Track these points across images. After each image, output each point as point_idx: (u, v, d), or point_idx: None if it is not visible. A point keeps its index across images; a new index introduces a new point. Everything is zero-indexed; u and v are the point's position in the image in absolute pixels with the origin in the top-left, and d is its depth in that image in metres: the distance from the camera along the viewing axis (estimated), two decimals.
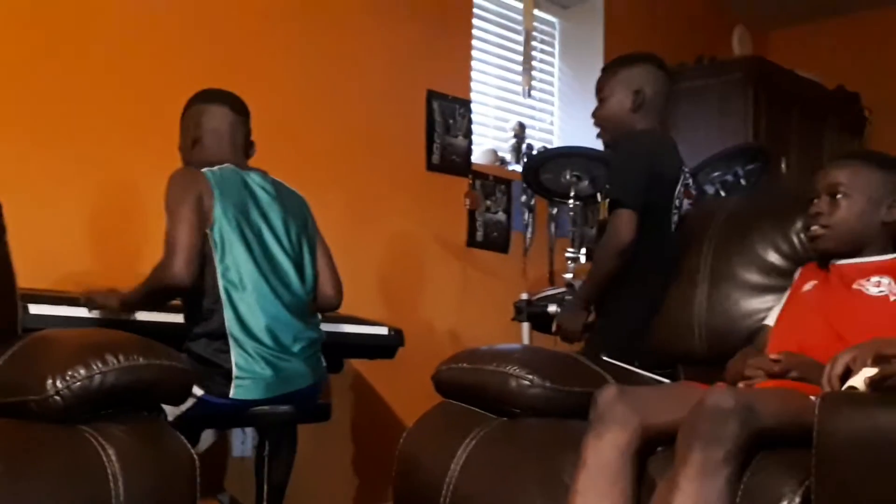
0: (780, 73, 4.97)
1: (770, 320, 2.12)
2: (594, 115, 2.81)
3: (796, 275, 2.14)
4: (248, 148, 2.65)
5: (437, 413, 2.06)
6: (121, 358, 1.74)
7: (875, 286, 1.91)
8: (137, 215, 3.00)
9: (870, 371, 1.48)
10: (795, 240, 2.24)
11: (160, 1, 3.20)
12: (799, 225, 2.23)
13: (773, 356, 1.89)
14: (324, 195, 3.12)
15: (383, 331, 3.00)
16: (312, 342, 2.53)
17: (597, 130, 2.79)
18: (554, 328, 2.79)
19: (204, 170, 2.47)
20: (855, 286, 1.95)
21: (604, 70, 2.83)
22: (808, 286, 2.05)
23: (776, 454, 1.58)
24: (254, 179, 2.56)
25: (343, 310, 2.81)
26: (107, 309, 2.48)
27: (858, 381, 1.47)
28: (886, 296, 1.89)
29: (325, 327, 2.71)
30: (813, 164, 4.86)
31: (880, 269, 1.95)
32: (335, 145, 3.60)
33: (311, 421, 2.67)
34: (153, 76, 3.12)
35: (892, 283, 1.90)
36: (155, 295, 2.47)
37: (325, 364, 2.61)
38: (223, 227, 2.43)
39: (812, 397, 1.56)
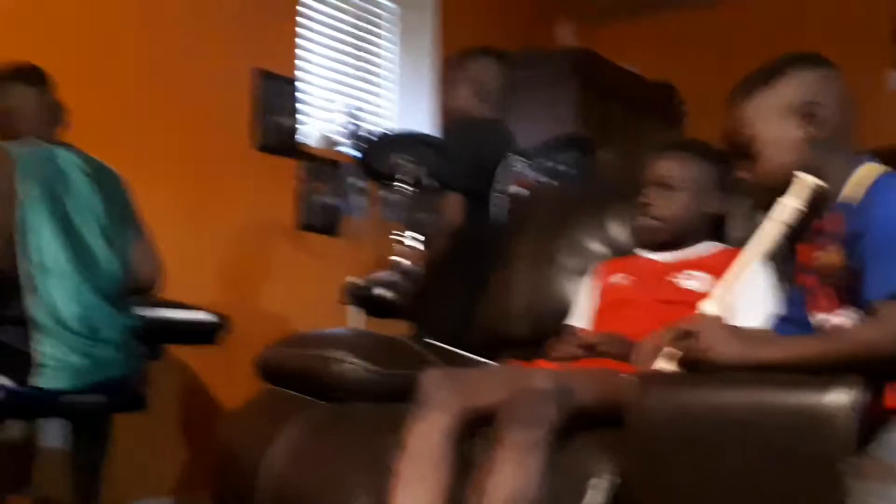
0: (605, 65, 5.10)
1: (573, 320, 2.15)
2: (440, 104, 2.85)
3: (593, 273, 2.18)
4: (55, 116, 2.52)
5: (260, 400, 2.02)
6: None
7: (691, 280, 1.98)
8: None
9: (669, 350, 1.53)
10: (612, 227, 2.30)
11: None
12: (616, 213, 2.29)
13: (590, 335, 1.95)
14: (145, 175, 3.00)
15: (207, 316, 2.91)
16: (126, 329, 2.44)
17: (432, 116, 2.83)
18: None
19: (6, 145, 2.33)
20: (671, 279, 2.01)
21: (449, 62, 2.88)
22: (618, 279, 2.09)
23: (592, 434, 1.63)
24: (62, 155, 2.43)
25: (166, 294, 2.73)
26: None
27: (660, 361, 1.53)
28: (701, 289, 1.93)
29: (145, 312, 2.62)
30: (634, 154, 5.06)
31: (696, 263, 2.02)
32: (155, 122, 3.46)
33: (127, 411, 2.58)
34: None
35: (707, 276, 1.95)
36: None
37: (142, 351, 2.52)
38: (27, 207, 2.30)
39: (626, 376, 1.60)
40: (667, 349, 1.52)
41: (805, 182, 1.53)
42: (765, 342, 1.55)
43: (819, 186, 1.52)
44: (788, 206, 1.54)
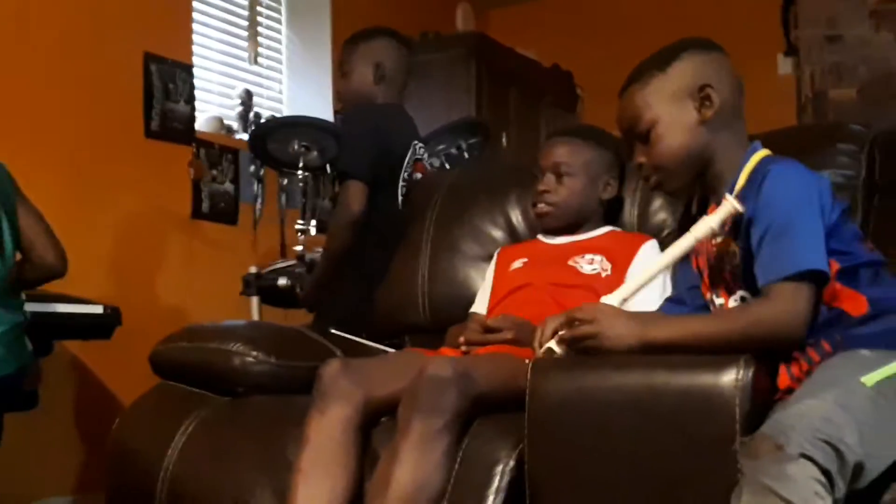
0: (501, 49, 5.14)
1: (477, 307, 2.15)
2: (339, 90, 2.81)
3: (495, 257, 2.19)
4: None
5: (154, 396, 1.98)
6: None
7: (589, 263, 2.00)
8: None
9: (561, 334, 1.55)
10: (511, 213, 2.32)
11: None
12: (514, 198, 2.31)
13: (490, 319, 1.96)
14: (32, 162, 2.93)
15: (98, 309, 2.85)
16: (14, 325, 2.36)
17: (331, 98, 2.79)
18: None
19: None
20: (570, 263, 2.03)
21: (345, 44, 2.83)
22: (517, 264, 2.10)
23: (492, 419, 1.64)
24: None
25: (53, 287, 2.65)
26: None
27: (552, 344, 1.55)
28: (598, 273, 1.98)
29: (33, 307, 2.56)
30: (531, 138, 5.12)
31: (593, 247, 2.04)
32: (43, 107, 3.36)
33: (16, 409, 2.51)
34: None
35: (604, 260, 1.99)
36: None
37: (30, 347, 2.45)
38: None
39: (526, 360, 1.60)
40: (560, 333, 1.54)
41: (730, 205, 1.52)
42: (657, 322, 1.57)
43: (737, 211, 1.52)
44: (708, 226, 1.54)
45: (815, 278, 1.44)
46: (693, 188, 1.68)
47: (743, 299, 1.55)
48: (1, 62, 3.23)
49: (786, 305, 1.43)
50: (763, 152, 1.61)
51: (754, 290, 1.51)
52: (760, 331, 1.44)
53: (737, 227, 1.54)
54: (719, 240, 1.58)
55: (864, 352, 1.40)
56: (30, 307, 2.52)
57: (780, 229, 1.47)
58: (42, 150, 3.29)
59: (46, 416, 2.95)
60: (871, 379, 1.31)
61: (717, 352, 1.41)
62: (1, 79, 3.22)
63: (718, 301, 1.61)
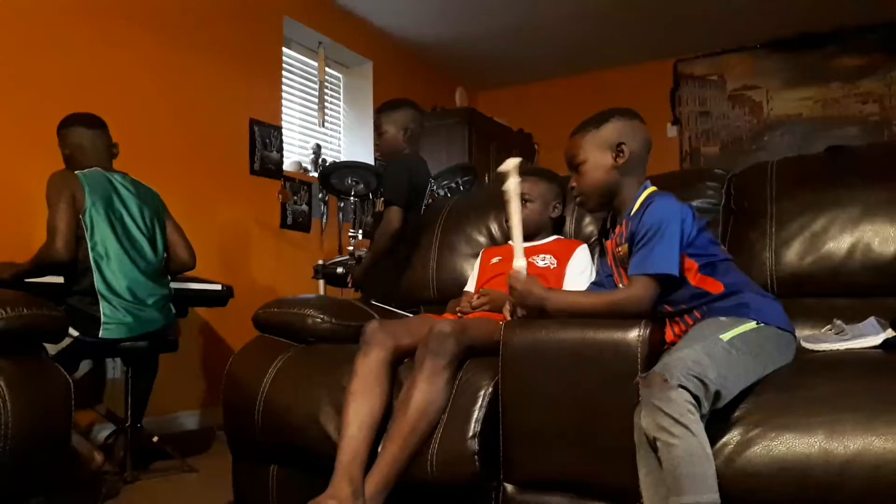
0: (484, 119, 5.13)
1: (468, 287, 2.13)
2: (378, 144, 2.78)
3: (480, 255, 2.17)
4: (110, 150, 2.42)
5: (255, 343, 1.97)
6: (8, 310, 1.55)
7: (542, 260, 1.98)
8: (28, 209, 2.65)
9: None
10: (490, 226, 2.31)
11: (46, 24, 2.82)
12: (493, 216, 2.30)
13: (475, 295, 1.96)
14: (175, 192, 2.93)
15: (218, 287, 2.84)
16: (163, 296, 2.37)
17: (372, 150, 2.76)
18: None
19: (76, 172, 2.23)
20: (530, 259, 1.99)
21: (379, 110, 2.77)
22: (495, 260, 2.09)
23: (479, 360, 1.64)
24: (116, 178, 2.34)
25: (189, 273, 2.65)
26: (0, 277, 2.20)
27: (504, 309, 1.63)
28: (549, 266, 1.96)
29: (175, 285, 2.55)
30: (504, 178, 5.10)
31: (545, 249, 2.02)
32: (183, 158, 3.38)
33: (164, 351, 2.51)
34: (34, 99, 2.77)
35: (552, 258, 1.97)
36: (41, 268, 2.22)
37: (174, 311, 2.45)
38: (92, 214, 2.21)
39: (500, 322, 1.62)
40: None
41: (511, 163, 1.58)
42: (557, 294, 1.56)
43: (517, 164, 1.57)
44: (512, 183, 1.59)
45: (663, 277, 1.44)
46: (606, 207, 1.67)
47: None
48: (154, 127, 3.24)
49: (638, 293, 1.44)
50: (651, 189, 1.59)
51: None
52: (618, 307, 1.44)
53: (630, 237, 1.53)
54: (621, 248, 1.57)
55: (722, 318, 1.41)
56: (173, 285, 2.53)
57: (647, 241, 1.46)
58: (181, 183, 3.29)
59: (183, 357, 2.95)
60: (726, 336, 1.32)
61: (586, 317, 1.44)
62: (154, 137, 3.23)
63: (622, 285, 1.60)
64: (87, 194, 2.22)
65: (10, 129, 2.69)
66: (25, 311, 1.58)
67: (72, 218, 2.18)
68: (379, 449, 1.58)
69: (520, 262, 1.57)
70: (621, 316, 1.43)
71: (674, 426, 1.16)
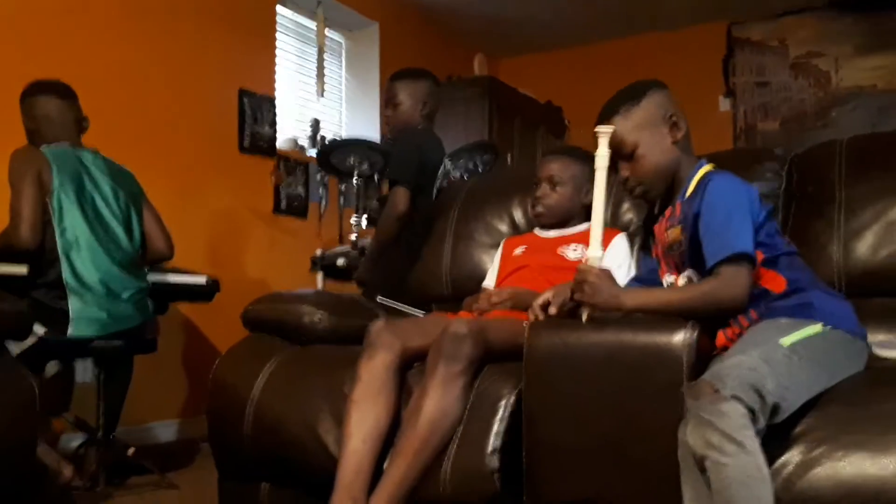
0: (507, 90, 5.12)
1: (487, 283, 2.14)
2: (388, 116, 2.78)
3: (501, 245, 2.17)
4: (80, 125, 2.43)
5: (244, 344, 1.98)
6: None
7: (573, 251, 1.98)
8: None
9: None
10: (513, 212, 2.30)
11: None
12: (517, 201, 2.29)
13: (496, 291, 1.96)
14: (154, 172, 2.96)
15: (201, 280, 2.85)
16: (139, 290, 2.39)
17: (378, 125, 2.76)
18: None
19: (42, 147, 2.25)
20: (559, 251, 2.01)
21: (394, 79, 2.75)
22: (518, 251, 2.08)
23: (499, 366, 1.63)
24: (86, 157, 2.36)
25: (170, 263, 2.66)
26: None
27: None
28: (581, 259, 1.96)
29: (152, 277, 2.57)
30: (529, 157, 5.09)
31: (577, 239, 2.02)
32: (163, 133, 3.40)
33: (140, 352, 2.53)
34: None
35: (584, 249, 1.95)
36: (2, 256, 2.24)
37: (152, 307, 2.47)
38: (60, 196, 2.23)
39: (524, 323, 1.60)
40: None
41: (604, 131, 1.49)
42: (636, 293, 1.52)
43: (610, 132, 1.49)
44: (602, 154, 1.49)
45: (748, 259, 1.42)
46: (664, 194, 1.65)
47: (689, 277, 1.54)
48: (128, 99, 3.26)
49: (731, 282, 1.42)
50: (708, 166, 1.58)
51: (699, 269, 1.49)
52: (713, 301, 1.42)
53: (685, 220, 1.52)
54: (671, 231, 1.56)
55: (783, 320, 1.39)
56: (150, 277, 2.54)
57: (719, 224, 1.45)
58: (160, 162, 3.31)
59: (162, 359, 2.97)
60: (787, 340, 1.31)
61: (679, 316, 1.39)
62: (128, 110, 3.25)
63: (670, 279, 1.59)
64: (55, 174, 2.24)
65: None
66: None
67: (38, 201, 2.20)
68: (385, 465, 1.59)
69: (596, 251, 1.48)
70: (718, 309, 1.41)
71: (726, 443, 1.15)
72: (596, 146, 1.52)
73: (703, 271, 1.47)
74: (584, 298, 1.45)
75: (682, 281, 1.56)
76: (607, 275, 1.48)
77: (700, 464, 1.20)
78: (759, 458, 1.17)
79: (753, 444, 1.16)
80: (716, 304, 1.42)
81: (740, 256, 1.42)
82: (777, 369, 1.23)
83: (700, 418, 1.18)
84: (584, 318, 1.46)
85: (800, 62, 5.07)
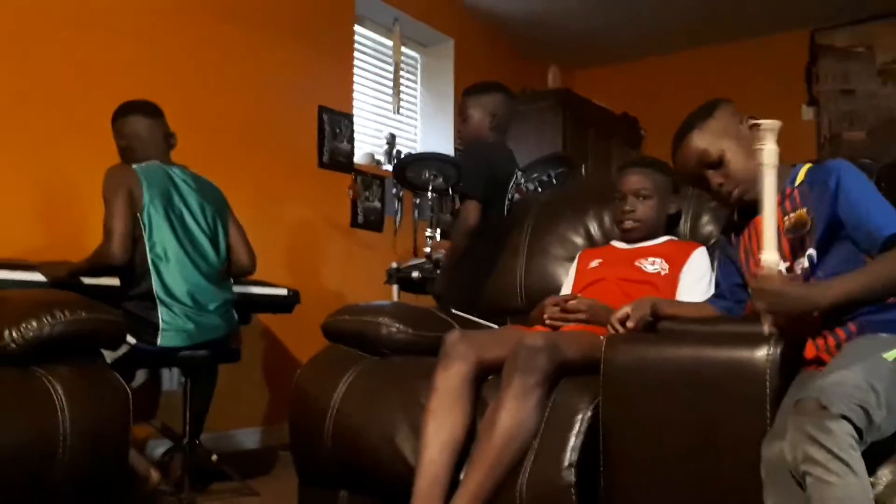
0: (581, 101, 5.09)
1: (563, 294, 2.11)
2: (460, 130, 2.80)
3: (577, 258, 2.15)
4: (168, 141, 2.54)
5: (325, 354, 2.02)
6: (66, 313, 1.67)
7: (651, 265, 1.95)
8: (78, 203, 2.83)
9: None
10: (589, 225, 2.28)
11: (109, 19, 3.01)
12: (592, 213, 2.28)
13: (574, 296, 1.93)
14: (237, 187, 3.03)
15: (283, 291, 2.93)
16: (225, 301, 2.46)
17: (452, 139, 2.77)
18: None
19: (133, 165, 2.36)
20: (637, 263, 1.98)
21: (465, 93, 2.79)
22: (594, 263, 2.06)
23: (575, 379, 1.63)
24: (176, 173, 2.46)
25: (252, 276, 2.74)
26: (57, 276, 2.34)
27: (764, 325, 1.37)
28: (659, 272, 1.93)
29: (237, 289, 2.64)
30: (604, 168, 5.04)
31: (656, 252, 1.99)
32: (246, 149, 3.50)
33: (225, 362, 2.60)
34: (89, 87, 2.95)
35: (663, 262, 1.94)
36: (96, 270, 2.36)
37: (236, 318, 2.54)
38: (150, 212, 2.33)
39: (601, 336, 1.60)
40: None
41: (770, 126, 1.40)
42: (823, 288, 1.37)
43: (776, 128, 1.40)
44: (771, 150, 1.39)
45: None
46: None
47: (811, 257, 1.47)
48: (215, 116, 3.37)
49: None
50: (810, 163, 1.58)
51: (824, 248, 1.45)
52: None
53: (811, 200, 1.49)
54: (793, 215, 1.51)
55: (883, 335, 1.34)
56: (235, 289, 2.61)
57: (879, 200, 1.43)
58: (244, 177, 3.41)
59: (245, 368, 3.05)
60: (891, 355, 1.26)
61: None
62: (215, 127, 3.36)
63: (784, 265, 1.49)
64: (146, 190, 2.33)
65: (57, 121, 2.85)
66: (84, 314, 1.69)
67: (129, 217, 2.30)
68: (461, 476, 1.59)
69: (771, 256, 1.35)
70: None
71: (832, 461, 1.11)
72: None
73: (825, 253, 1.44)
74: (771, 308, 1.34)
75: (806, 263, 1.48)
76: (788, 281, 1.41)
77: (800, 478, 1.15)
78: (866, 481, 1.13)
79: (861, 466, 1.12)
80: None
81: None
82: (882, 386, 1.19)
83: (805, 433, 1.14)
84: (766, 329, 1.35)
85: (888, 68, 4.85)
